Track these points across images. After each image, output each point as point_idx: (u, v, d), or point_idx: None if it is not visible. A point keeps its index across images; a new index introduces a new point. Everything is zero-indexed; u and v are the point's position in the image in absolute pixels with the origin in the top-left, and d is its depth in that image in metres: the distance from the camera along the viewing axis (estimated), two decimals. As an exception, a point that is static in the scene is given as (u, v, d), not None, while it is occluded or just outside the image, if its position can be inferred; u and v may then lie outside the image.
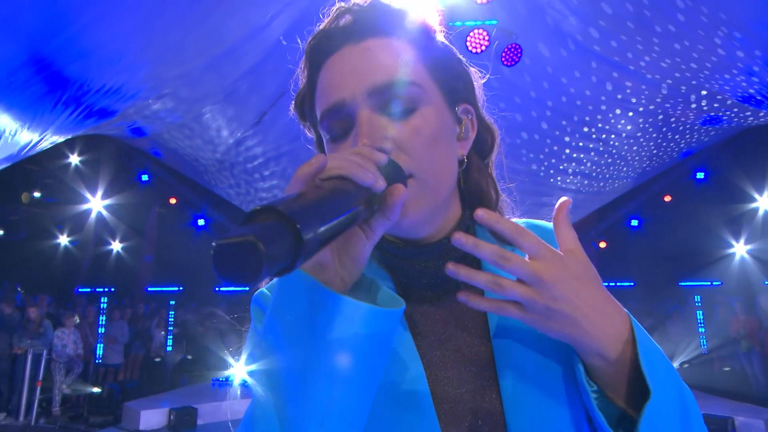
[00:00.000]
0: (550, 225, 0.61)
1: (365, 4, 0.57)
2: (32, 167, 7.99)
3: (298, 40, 0.66)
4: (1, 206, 9.49)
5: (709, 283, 10.10)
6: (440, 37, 0.60)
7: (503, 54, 4.32)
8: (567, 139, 6.37)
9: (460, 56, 0.62)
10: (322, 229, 0.34)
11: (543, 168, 6.79)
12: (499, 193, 0.64)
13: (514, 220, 0.66)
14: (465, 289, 0.55)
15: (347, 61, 0.54)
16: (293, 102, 0.65)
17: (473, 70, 0.63)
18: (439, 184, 0.54)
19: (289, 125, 6.16)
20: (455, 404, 0.54)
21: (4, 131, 3.15)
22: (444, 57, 0.59)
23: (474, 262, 0.60)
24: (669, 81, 5.40)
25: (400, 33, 0.55)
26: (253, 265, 0.29)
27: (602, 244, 10.57)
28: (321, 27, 0.58)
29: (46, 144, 4.26)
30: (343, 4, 0.57)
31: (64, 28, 2.55)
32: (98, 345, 7.61)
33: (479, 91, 0.62)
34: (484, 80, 0.65)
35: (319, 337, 0.43)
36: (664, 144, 6.95)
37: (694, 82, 5.34)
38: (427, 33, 0.58)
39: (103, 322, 7.75)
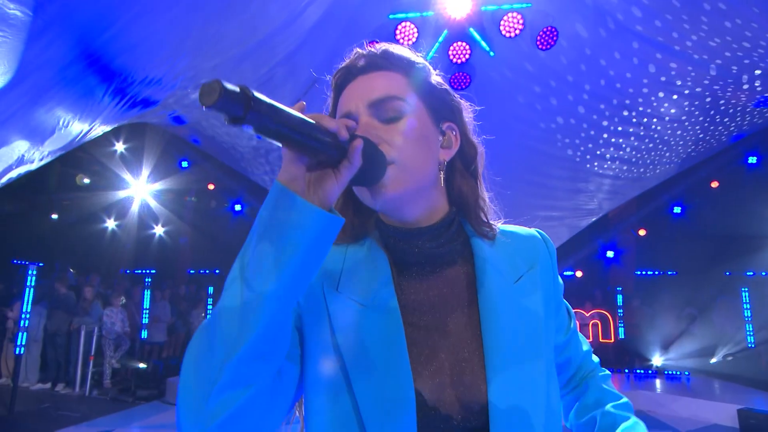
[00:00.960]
0: (525, 230, 0.83)
1: (377, 50, 0.76)
2: (82, 154, 8.42)
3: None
4: (54, 192, 10.07)
5: (758, 273, 9.62)
6: (436, 78, 0.78)
7: (538, 38, 4.20)
8: (605, 123, 6.15)
9: (454, 94, 0.81)
10: (272, 118, 0.51)
11: (579, 153, 6.60)
12: (481, 197, 0.79)
13: (497, 224, 0.81)
14: (459, 266, 0.74)
15: (357, 87, 0.74)
16: None
17: (465, 104, 0.82)
18: (416, 171, 0.70)
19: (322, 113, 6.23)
20: (438, 368, 0.66)
21: (59, 122, 3.35)
22: (433, 87, 0.77)
23: (465, 244, 0.76)
24: (718, 61, 5.11)
25: (398, 68, 0.74)
26: (215, 96, 0.47)
27: (641, 232, 10.22)
28: (343, 65, 0.77)
29: (94, 133, 4.49)
30: (359, 49, 0.77)
31: (112, 23, 2.68)
32: (143, 324, 8.03)
33: (467, 118, 0.81)
34: (474, 112, 0.85)
35: (277, 227, 0.57)
36: (712, 128, 6.60)
37: (746, 62, 5.03)
38: (421, 70, 0.76)
39: (147, 303, 8.16)
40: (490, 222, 0.79)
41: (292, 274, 0.57)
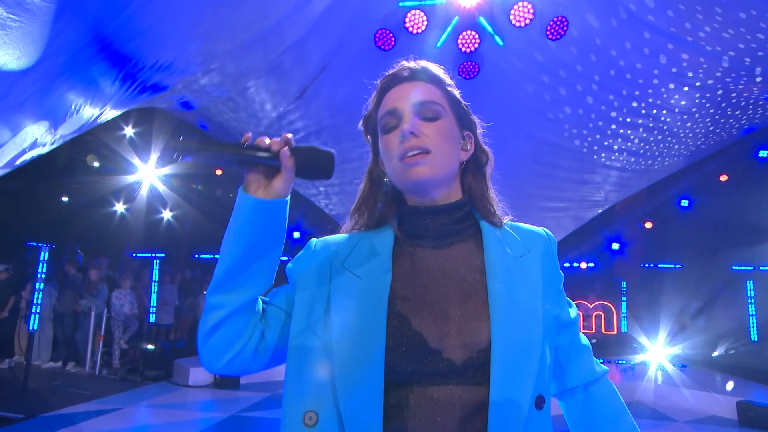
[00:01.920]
0: (530, 227, 0.93)
1: (419, 65, 0.92)
2: (91, 138, 8.48)
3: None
4: (64, 176, 10.17)
5: (763, 268, 9.58)
6: (459, 96, 0.94)
7: (548, 27, 4.17)
8: (614, 114, 6.10)
9: (471, 111, 0.96)
10: (198, 148, 0.77)
11: (586, 144, 6.56)
12: (489, 194, 0.93)
13: (504, 220, 0.92)
14: (469, 241, 0.88)
15: (403, 89, 0.89)
16: (362, 120, 0.97)
17: (477, 120, 0.96)
18: (444, 162, 0.86)
19: (330, 100, 6.22)
20: (444, 317, 0.78)
21: (71, 107, 3.39)
22: (459, 102, 0.93)
23: (475, 227, 0.89)
24: (731, 53, 5.04)
25: (435, 83, 0.91)
26: (171, 148, 0.77)
27: (648, 225, 10.19)
28: (390, 72, 0.92)
29: (105, 118, 4.53)
30: (404, 62, 0.93)
31: (124, 8, 2.70)
32: (151, 306, 8.16)
33: (480, 131, 0.96)
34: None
35: (233, 219, 0.81)
36: (723, 120, 6.53)
37: (760, 54, 4.96)
38: (452, 87, 0.93)
39: (155, 286, 8.28)
40: (500, 216, 0.91)
41: (248, 243, 0.81)
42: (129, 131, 8.91)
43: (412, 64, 0.91)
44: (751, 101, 6.06)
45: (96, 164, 9.47)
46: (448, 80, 0.93)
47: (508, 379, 0.73)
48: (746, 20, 4.43)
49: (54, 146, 4.15)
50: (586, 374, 0.94)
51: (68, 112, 3.43)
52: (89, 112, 3.84)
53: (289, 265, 0.92)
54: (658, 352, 8.05)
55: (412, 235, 0.87)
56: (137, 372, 7.04)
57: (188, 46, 4.32)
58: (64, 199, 11.32)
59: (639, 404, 5.97)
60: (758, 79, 5.45)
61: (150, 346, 7.73)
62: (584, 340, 0.97)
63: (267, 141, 0.79)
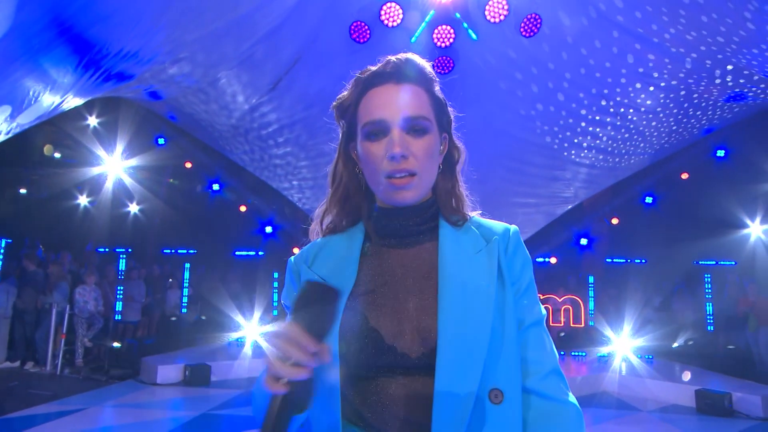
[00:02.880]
0: (494, 223, 0.93)
1: (404, 59, 0.87)
2: (52, 128, 8.11)
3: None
4: (22, 166, 9.70)
5: (722, 263, 10.03)
6: (437, 87, 0.91)
7: (522, 24, 4.22)
8: (583, 112, 6.25)
9: (447, 103, 0.94)
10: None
11: (557, 141, 6.70)
12: (456, 192, 0.93)
13: (474, 215, 0.93)
14: (426, 239, 0.88)
15: (391, 93, 0.85)
16: (335, 105, 0.93)
17: (452, 114, 0.94)
18: (429, 181, 0.87)
19: (303, 93, 6.13)
20: (400, 316, 0.80)
21: (29, 92, 3.22)
22: (440, 101, 0.90)
23: (435, 220, 0.90)
24: (694, 55, 5.23)
25: (422, 83, 0.88)
26: None
27: (614, 221, 10.50)
28: (373, 69, 0.88)
29: (67, 106, 4.33)
30: (391, 57, 0.88)
31: (85, -10, 2.57)
32: (117, 303, 7.91)
33: (453, 123, 0.94)
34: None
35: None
36: (685, 120, 6.78)
37: (720, 56, 5.17)
38: (434, 84, 0.90)
39: (122, 282, 8.02)
40: (464, 213, 0.92)
41: None
42: (93, 121, 8.57)
43: (397, 59, 0.87)
44: (710, 102, 6.31)
45: (57, 155, 9.08)
46: (433, 75, 0.90)
47: (453, 372, 0.74)
48: (708, 23, 4.61)
49: (10, 135, 3.95)
50: (532, 381, 0.81)
51: (26, 99, 3.26)
52: (49, 99, 3.67)
53: (282, 300, 0.93)
54: (623, 344, 8.33)
55: (382, 235, 0.89)
56: (102, 371, 6.80)
57: (156, 34, 4.17)
58: (22, 191, 10.81)
59: (605, 394, 6.18)
60: (717, 81, 5.68)
61: (116, 344, 7.48)
62: (549, 358, 0.84)
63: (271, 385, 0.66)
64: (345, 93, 0.91)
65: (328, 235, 0.93)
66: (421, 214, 0.88)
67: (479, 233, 0.89)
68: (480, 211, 0.95)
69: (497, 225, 0.92)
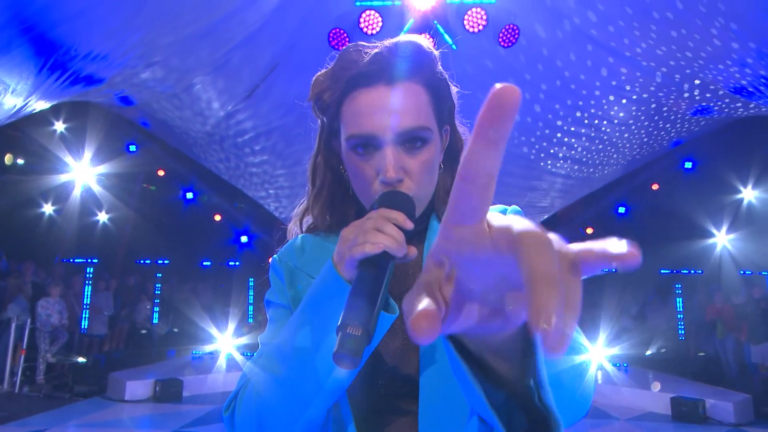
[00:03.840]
0: (491, 209, 0.76)
1: (394, 49, 0.71)
2: (15, 133, 7.78)
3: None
4: (-18, 173, 9.27)
5: (690, 272, 10.32)
6: (439, 67, 0.75)
7: (500, 35, 4.27)
8: (559, 123, 6.37)
9: (450, 82, 0.79)
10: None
11: (534, 151, 6.80)
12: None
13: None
14: (416, 241, 0.75)
15: (381, 99, 0.70)
16: (312, 97, 0.77)
17: (453, 89, 0.79)
18: (426, 197, 0.75)
19: (280, 100, 6.05)
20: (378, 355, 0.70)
21: (-13, 94, 3.06)
22: (441, 88, 0.75)
23: (425, 219, 0.78)
24: (663, 69, 5.40)
25: (418, 77, 0.72)
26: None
27: (589, 230, 10.71)
28: (359, 64, 0.71)
29: (30, 109, 4.15)
30: (377, 45, 0.72)
31: (49, -13, 2.46)
32: (83, 315, 7.58)
33: (456, 108, 0.81)
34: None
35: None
36: (655, 132, 6.99)
37: (688, 71, 5.34)
38: (434, 70, 0.74)
39: (89, 293, 7.70)
40: None
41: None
42: (60, 126, 8.26)
43: (389, 54, 0.71)
44: (679, 115, 6.52)
45: (20, 161, 8.71)
46: (433, 57, 0.75)
47: (436, 398, 0.67)
48: (677, 38, 4.76)
49: (-32, 139, 3.74)
50: None
51: (-16, 100, 3.09)
52: (11, 101, 3.49)
53: (267, 296, 0.81)
54: (597, 353, 8.43)
55: None
56: (66, 388, 6.48)
57: (127, 37, 4.04)
58: (-17, 199, 10.31)
59: (582, 403, 6.22)
60: (685, 95, 5.88)
61: (81, 359, 7.15)
62: None
63: (403, 249, 0.60)
64: (323, 82, 0.76)
65: (308, 234, 0.83)
66: (414, 220, 0.78)
67: None
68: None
69: (493, 210, 0.79)
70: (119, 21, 3.63)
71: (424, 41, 0.74)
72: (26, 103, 4.00)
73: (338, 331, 0.49)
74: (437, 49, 0.77)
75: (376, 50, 0.72)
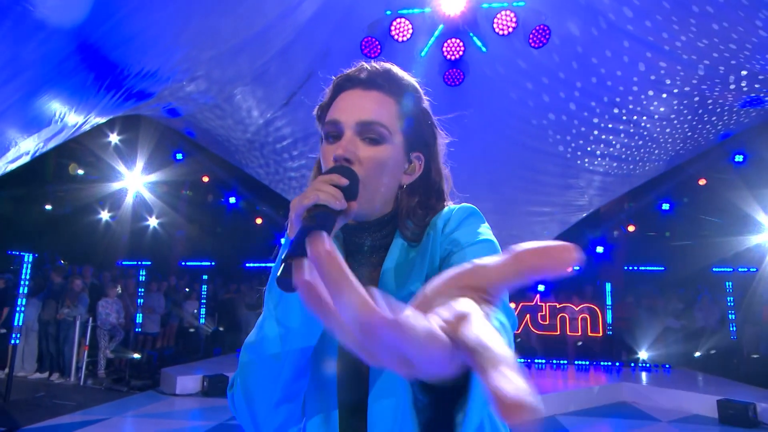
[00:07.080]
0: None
1: (380, 68, 0.83)
2: (75, 146, 8.39)
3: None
4: (48, 183, 10.03)
5: (743, 270, 9.82)
6: (424, 105, 0.86)
7: (531, 36, 4.27)
8: (596, 120, 6.24)
9: (433, 120, 0.87)
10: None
11: (570, 149, 6.69)
12: (415, 208, 0.85)
13: (449, 205, 0.87)
14: (378, 254, 0.83)
15: (354, 98, 0.81)
16: (317, 107, 0.90)
17: (441, 133, 0.88)
18: (375, 191, 0.79)
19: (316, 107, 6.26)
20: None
21: (54, 114, 3.38)
22: (417, 118, 0.84)
23: (390, 236, 0.83)
24: (706, 62, 5.20)
25: (393, 93, 0.82)
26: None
27: (630, 228, 10.38)
28: (347, 72, 0.85)
29: (89, 125, 4.51)
30: (364, 63, 0.85)
31: (110, 15, 2.71)
32: (137, 315, 8.08)
33: (441, 148, 0.88)
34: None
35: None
36: (700, 126, 6.72)
37: (733, 62, 5.13)
38: (413, 98, 0.84)
39: (142, 294, 8.20)
40: (415, 225, 0.83)
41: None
42: (114, 138, 8.84)
43: (372, 67, 0.82)
44: (725, 108, 6.24)
45: (80, 171, 9.37)
46: (414, 88, 0.84)
47: (383, 392, 0.74)
48: (719, 31, 4.59)
49: (37, 154, 4.12)
50: None
51: (52, 120, 3.42)
52: (74, 119, 3.83)
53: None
54: (642, 354, 8.18)
55: (343, 252, 0.85)
56: (123, 382, 6.94)
57: (174, 53, 4.33)
58: (48, 207, 11.15)
59: (624, 404, 6.08)
60: (732, 87, 5.63)
61: (136, 355, 7.63)
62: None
63: (338, 202, 0.67)
64: (325, 96, 0.87)
65: None
66: (377, 229, 0.83)
67: (426, 231, 0.82)
68: (451, 203, 0.88)
69: (444, 212, 0.84)
70: (167, 40, 3.90)
71: (409, 78, 0.84)
72: (86, 120, 4.36)
73: (279, 265, 0.60)
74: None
75: (363, 63, 0.84)
